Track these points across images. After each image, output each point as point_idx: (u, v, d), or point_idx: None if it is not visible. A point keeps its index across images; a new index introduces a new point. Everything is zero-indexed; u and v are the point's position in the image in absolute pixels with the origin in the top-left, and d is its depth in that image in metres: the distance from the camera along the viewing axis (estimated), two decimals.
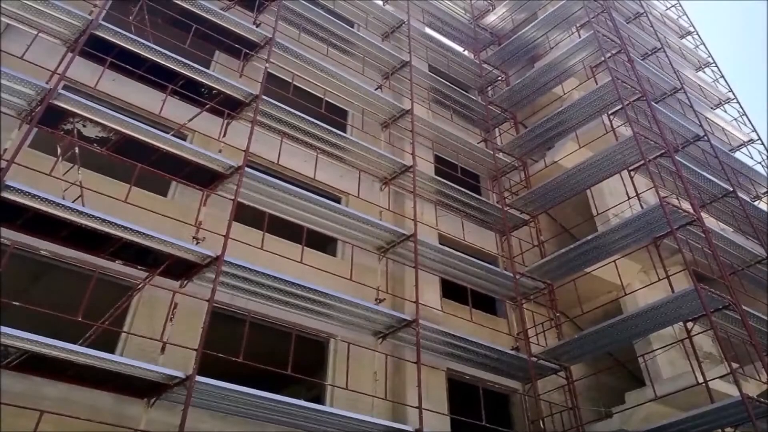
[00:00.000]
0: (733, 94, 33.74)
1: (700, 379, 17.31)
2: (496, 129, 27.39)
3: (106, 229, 13.17)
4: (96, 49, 16.18)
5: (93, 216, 12.96)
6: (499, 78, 29.48)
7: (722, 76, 34.85)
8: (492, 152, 25.01)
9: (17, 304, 11.96)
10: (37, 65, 14.77)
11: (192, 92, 17.55)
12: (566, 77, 26.22)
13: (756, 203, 25.58)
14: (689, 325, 18.10)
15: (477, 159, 25.06)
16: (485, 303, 22.47)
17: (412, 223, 19.55)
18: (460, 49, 30.17)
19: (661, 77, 26.16)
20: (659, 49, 28.43)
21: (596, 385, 21.67)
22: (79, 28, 16.01)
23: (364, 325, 17.46)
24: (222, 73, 18.39)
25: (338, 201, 20.30)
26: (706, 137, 23.97)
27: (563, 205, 23.71)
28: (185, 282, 14.84)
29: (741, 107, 32.99)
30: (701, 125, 25.05)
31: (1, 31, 16.17)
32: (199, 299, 14.06)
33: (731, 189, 22.42)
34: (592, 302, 22.42)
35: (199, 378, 12.50)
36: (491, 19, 32.13)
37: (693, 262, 19.25)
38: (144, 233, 13.45)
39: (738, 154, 29.77)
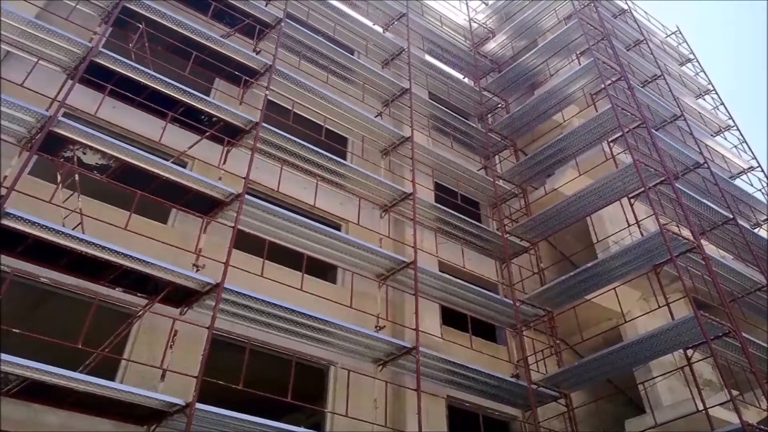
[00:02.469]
0: (733, 121, 33.80)
1: (700, 407, 17.27)
2: (496, 156, 27.42)
3: (106, 257, 13.17)
4: (96, 76, 16.24)
5: (93, 243, 12.96)
6: (499, 105, 29.56)
7: (722, 104, 34.91)
8: (492, 179, 25.05)
9: (17, 331, 11.94)
10: (37, 92, 14.81)
11: (192, 119, 17.58)
12: (566, 104, 26.26)
13: (756, 230, 25.65)
14: (689, 352, 18.05)
15: (477, 186, 25.08)
16: (485, 330, 22.42)
17: (412, 251, 19.56)
18: (460, 76, 30.28)
19: (661, 104, 26.23)
20: (659, 76, 28.53)
21: (596, 413, 21.59)
22: (79, 55, 16.10)
23: (364, 352, 17.44)
24: (222, 101, 18.45)
25: (338, 228, 20.32)
26: (706, 164, 24.05)
27: (563, 232, 23.72)
28: (185, 309, 14.83)
29: (741, 134, 33.00)
30: (701, 152, 25.11)
31: (1, 59, 16.23)
32: (199, 326, 14.05)
33: (731, 216, 22.48)
34: (592, 329, 22.38)
35: (199, 405, 12.48)
36: (491, 46, 32.26)
37: (693, 289, 19.23)
38: (144, 260, 13.45)
39: (738, 182, 29.87)
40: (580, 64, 25.60)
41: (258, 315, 15.48)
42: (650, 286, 20.06)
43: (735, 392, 17.49)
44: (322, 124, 21.53)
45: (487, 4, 34.87)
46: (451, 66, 30.42)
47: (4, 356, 10.85)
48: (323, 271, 19.81)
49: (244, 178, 16.62)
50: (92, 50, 15.98)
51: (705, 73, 36.95)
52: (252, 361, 14.47)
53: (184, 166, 17.25)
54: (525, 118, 26.68)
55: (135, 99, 16.88)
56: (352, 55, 25.23)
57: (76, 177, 14.82)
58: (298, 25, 22.61)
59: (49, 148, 14.41)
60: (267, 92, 19.24)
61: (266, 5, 22.64)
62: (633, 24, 32.13)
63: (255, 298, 14.98)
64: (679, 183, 21.43)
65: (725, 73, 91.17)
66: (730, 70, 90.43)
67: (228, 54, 19.72)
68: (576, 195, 21.73)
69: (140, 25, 18.13)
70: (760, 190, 29.47)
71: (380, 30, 28.06)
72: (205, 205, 16.36)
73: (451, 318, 21.32)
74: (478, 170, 25.57)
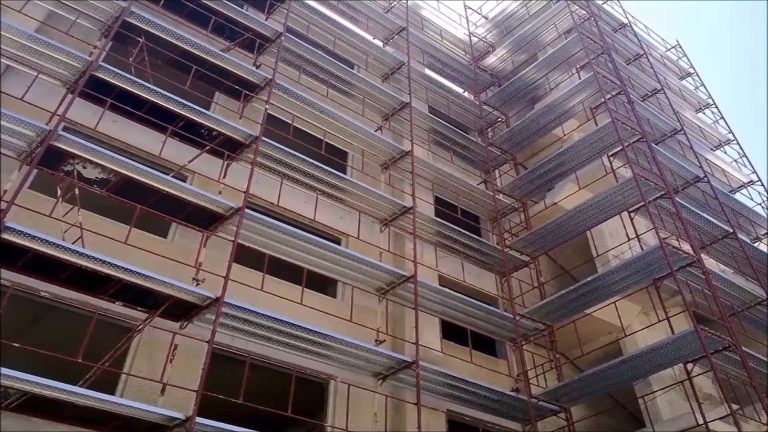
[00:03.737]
0: (733, 135, 33.80)
1: (700, 420, 17.25)
2: (496, 170, 27.45)
3: (106, 271, 13.18)
4: (96, 90, 16.26)
5: (93, 257, 12.97)
6: (499, 119, 29.61)
7: (722, 118, 34.91)
8: (492, 193, 25.07)
9: (17, 345, 11.93)
10: (37, 106, 14.82)
11: (192, 133, 17.60)
12: (566, 118, 26.24)
13: (756, 244, 25.60)
14: (689, 366, 18.00)
15: (477, 200, 25.10)
16: (485, 344, 22.39)
17: (412, 265, 19.53)
18: (460, 90, 30.26)
19: (661, 118, 26.24)
20: (659, 90, 28.56)
21: (596, 427, 21.55)
22: (79, 69, 16.12)
23: (364, 366, 17.41)
24: (222, 115, 18.48)
25: (338, 242, 20.33)
26: (706, 178, 24.05)
27: (563, 246, 23.71)
28: (185, 323, 14.81)
29: (741, 148, 33.02)
30: (701, 166, 25.11)
31: (1, 73, 16.25)
32: (199, 340, 14.05)
33: (731, 230, 22.49)
34: (592, 343, 22.37)
35: (199, 419, 12.47)
36: (491, 60, 32.28)
37: (693, 303, 19.19)
38: (144, 275, 13.45)
39: (738, 196, 29.88)
40: (580, 78, 25.61)
41: (258, 329, 15.47)
42: (650, 300, 20.08)
43: (735, 406, 17.49)
44: (322, 138, 21.53)
45: (487, 18, 34.90)
46: (451, 80, 30.44)
47: (4, 370, 10.84)
48: (323, 285, 19.80)
49: (244, 192, 16.63)
50: (92, 64, 16.01)
51: (705, 87, 36.95)
52: (252, 375, 14.46)
53: (184, 180, 17.28)
54: (525, 132, 26.70)
55: (135, 113, 16.90)
56: (352, 69, 25.20)
57: (76, 191, 14.82)
58: (298, 39, 22.60)
59: (49, 162, 14.43)
60: (267, 106, 19.26)
61: (266, 19, 22.73)
62: (633, 38, 32.21)
63: (255, 312, 14.98)
64: (679, 197, 21.44)
65: (725, 86, 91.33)
66: (730, 84, 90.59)
67: (228, 68, 19.73)
68: (576, 209, 21.74)
69: (140, 39, 18.15)
70: (760, 204, 29.48)
71: (380, 44, 28.06)
72: (205, 219, 16.37)
73: (451, 332, 21.29)
74: (478, 184, 25.61)
